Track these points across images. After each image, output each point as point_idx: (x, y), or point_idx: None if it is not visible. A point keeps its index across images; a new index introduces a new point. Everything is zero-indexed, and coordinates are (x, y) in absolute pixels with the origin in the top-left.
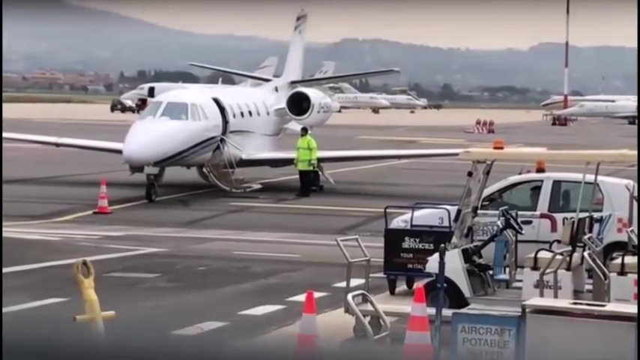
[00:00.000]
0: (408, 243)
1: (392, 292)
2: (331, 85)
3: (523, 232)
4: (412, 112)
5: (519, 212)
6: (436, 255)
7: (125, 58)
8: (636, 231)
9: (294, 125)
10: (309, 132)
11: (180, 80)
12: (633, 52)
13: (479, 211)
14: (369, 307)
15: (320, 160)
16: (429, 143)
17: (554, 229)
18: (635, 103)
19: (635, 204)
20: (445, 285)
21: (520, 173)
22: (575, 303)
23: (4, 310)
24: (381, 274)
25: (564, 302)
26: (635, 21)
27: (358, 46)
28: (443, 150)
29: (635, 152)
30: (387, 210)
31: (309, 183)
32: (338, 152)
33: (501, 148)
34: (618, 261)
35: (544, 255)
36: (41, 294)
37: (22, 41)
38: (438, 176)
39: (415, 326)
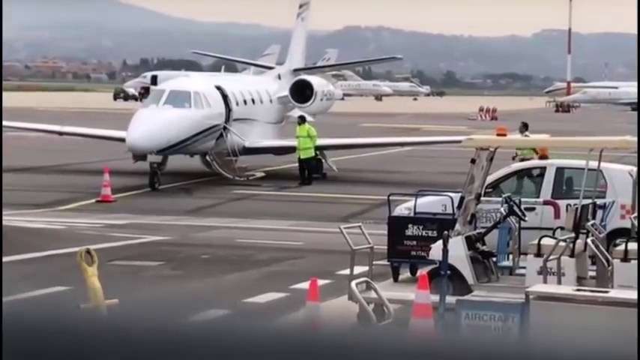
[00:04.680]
0: (411, 230)
1: (395, 280)
2: (334, 72)
3: (526, 219)
4: (415, 99)
5: (522, 199)
6: (440, 242)
7: (128, 46)
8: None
9: (298, 113)
10: (308, 120)
11: (183, 68)
12: (636, 39)
13: (482, 199)
14: (372, 294)
15: (323, 147)
16: (432, 130)
17: (557, 215)
18: None
19: None
20: (449, 272)
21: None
22: (578, 289)
23: (7, 299)
24: (385, 262)
25: (568, 289)
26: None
27: (361, 34)
28: (446, 137)
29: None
30: (391, 197)
31: (312, 170)
32: (341, 140)
33: (504, 135)
34: (621, 247)
35: (547, 242)
36: (45, 282)
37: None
38: (441, 164)
39: (419, 313)
